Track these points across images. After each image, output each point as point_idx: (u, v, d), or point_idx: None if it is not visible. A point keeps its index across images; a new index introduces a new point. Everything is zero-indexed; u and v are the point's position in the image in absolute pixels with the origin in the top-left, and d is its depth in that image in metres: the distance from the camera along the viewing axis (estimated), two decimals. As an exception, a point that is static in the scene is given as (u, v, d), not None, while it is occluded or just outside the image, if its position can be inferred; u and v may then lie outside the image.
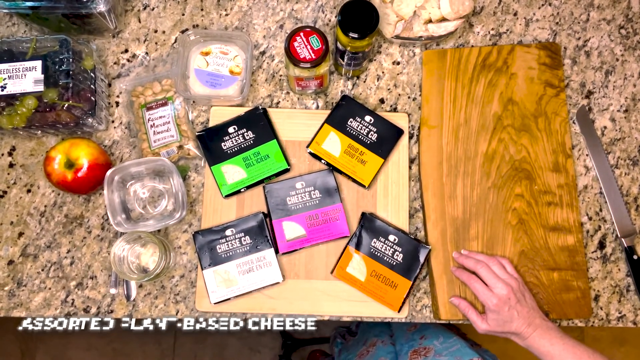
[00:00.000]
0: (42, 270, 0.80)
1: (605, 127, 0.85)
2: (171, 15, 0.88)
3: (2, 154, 0.83)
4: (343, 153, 0.80)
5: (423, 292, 0.80)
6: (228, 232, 0.77)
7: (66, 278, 0.79)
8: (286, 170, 0.80)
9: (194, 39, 0.82)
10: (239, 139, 0.80)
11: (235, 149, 0.80)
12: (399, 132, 0.81)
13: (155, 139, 0.80)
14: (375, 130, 0.80)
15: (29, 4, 0.74)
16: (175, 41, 0.87)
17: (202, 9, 0.88)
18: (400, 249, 0.77)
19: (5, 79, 0.75)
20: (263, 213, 0.78)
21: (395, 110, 0.85)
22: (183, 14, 0.88)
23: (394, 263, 0.77)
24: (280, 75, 0.86)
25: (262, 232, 0.77)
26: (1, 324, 1.64)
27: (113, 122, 0.84)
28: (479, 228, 0.79)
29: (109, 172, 0.75)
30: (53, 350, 1.63)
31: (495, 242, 0.79)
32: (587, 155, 0.84)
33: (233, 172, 0.79)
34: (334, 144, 0.80)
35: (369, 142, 0.80)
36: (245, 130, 0.80)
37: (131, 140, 0.83)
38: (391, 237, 0.77)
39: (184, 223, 0.81)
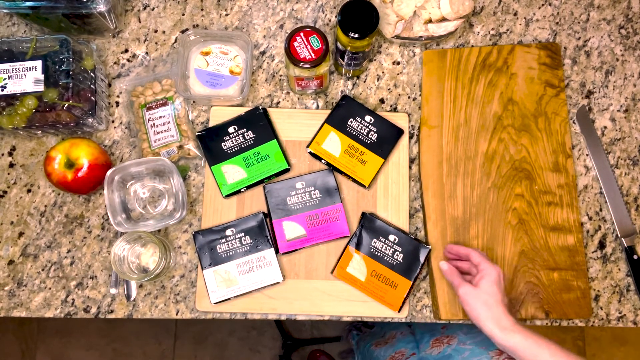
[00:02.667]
0: (42, 270, 0.80)
1: (605, 127, 0.85)
2: (171, 15, 0.88)
3: (2, 154, 0.83)
4: (343, 153, 0.80)
5: (423, 292, 0.80)
6: (228, 232, 0.77)
7: (66, 278, 0.79)
8: (286, 170, 0.80)
9: (194, 39, 0.82)
10: (239, 139, 0.80)
11: (236, 148, 0.80)
12: (399, 132, 0.81)
13: (156, 138, 0.80)
14: (375, 130, 0.80)
15: (29, 4, 0.74)
16: (175, 41, 0.87)
17: (202, 9, 0.88)
18: (400, 249, 0.77)
19: (5, 78, 0.75)
20: (263, 213, 0.78)
21: (395, 110, 0.85)
22: (183, 14, 0.88)
23: (394, 263, 0.77)
24: (281, 75, 0.86)
25: (262, 232, 0.77)
26: (1, 324, 1.64)
27: (113, 122, 0.84)
28: (479, 228, 0.79)
29: (109, 172, 0.75)
30: (53, 350, 1.63)
31: (495, 242, 0.79)
32: (587, 155, 0.84)
33: (233, 172, 0.79)
34: (334, 143, 0.80)
35: (369, 142, 0.80)
36: (245, 130, 0.80)
37: (131, 140, 0.83)
38: (391, 237, 0.77)
39: (184, 223, 0.81)
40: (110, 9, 0.77)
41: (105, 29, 0.83)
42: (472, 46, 0.87)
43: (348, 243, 0.78)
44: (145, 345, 1.64)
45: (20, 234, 0.81)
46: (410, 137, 0.84)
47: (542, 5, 0.88)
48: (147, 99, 0.82)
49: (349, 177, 0.80)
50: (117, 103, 0.85)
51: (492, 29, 0.88)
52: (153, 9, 0.88)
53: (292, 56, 0.72)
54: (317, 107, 0.85)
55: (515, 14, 0.88)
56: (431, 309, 0.79)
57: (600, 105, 0.85)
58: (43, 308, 0.79)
